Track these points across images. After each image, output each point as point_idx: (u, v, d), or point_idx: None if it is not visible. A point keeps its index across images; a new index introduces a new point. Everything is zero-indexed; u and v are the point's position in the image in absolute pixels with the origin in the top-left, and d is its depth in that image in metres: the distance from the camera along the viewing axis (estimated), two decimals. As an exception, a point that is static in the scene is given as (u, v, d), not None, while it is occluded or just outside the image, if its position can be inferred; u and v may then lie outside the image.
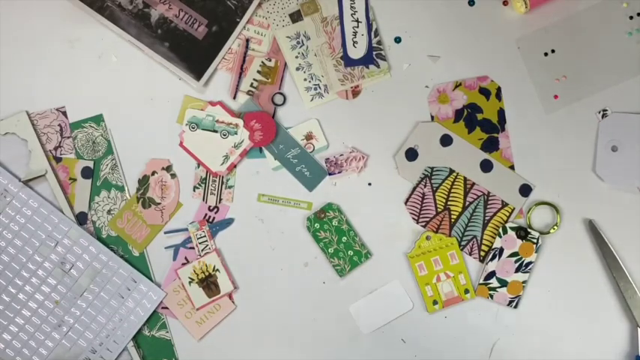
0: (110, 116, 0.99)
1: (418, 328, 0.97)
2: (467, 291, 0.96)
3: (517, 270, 0.96)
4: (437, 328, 0.97)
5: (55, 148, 0.98)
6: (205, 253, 0.97)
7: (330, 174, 0.98)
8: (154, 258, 0.98)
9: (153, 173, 0.98)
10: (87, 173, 0.98)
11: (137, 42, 0.97)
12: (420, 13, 0.99)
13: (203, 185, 0.98)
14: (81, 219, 0.98)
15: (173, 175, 0.99)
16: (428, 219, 0.97)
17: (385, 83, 0.98)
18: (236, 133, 0.97)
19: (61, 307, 0.97)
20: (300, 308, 0.97)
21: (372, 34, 0.98)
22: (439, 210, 0.97)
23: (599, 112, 0.97)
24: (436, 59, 0.99)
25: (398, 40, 0.99)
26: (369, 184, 0.98)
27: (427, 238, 0.96)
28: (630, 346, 0.95)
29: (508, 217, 0.97)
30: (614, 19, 0.98)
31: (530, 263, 0.96)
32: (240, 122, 0.97)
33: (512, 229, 0.96)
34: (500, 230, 0.96)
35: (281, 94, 0.99)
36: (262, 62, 0.99)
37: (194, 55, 0.97)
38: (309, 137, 0.98)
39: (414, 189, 0.98)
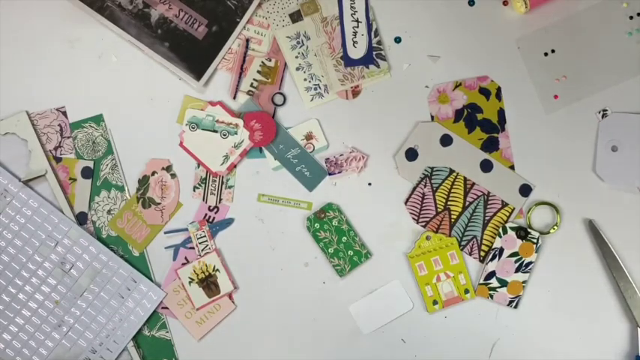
0: (110, 116, 0.99)
1: (418, 328, 0.97)
2: (467, 291, 0.96)
3: (517, 270, 0.96)
4: (437, 328, 0.97)
5: (55, 148, 0.98)
6: (205, 253, 0.97)
7: (330, 174, 0.98)
8: (154, 258, 0.98)
9: (153, 173, 0.98)
10: (87, 173, 0.98)
11: (137, 42, 0.97)
12: (420, 13, 0.99)
13: (203, 185, 0.98)
14: (81, 219, 0.98)
15: (173, 175, 0.99)
16: (428, 219, 0.97)
17: (385, 83, 0.98)
18: (236, 133, 0.97)
19: (61, 307, 0.97)
20: (300, 308, 0.97)
21: (372, 34, 0.98)
22: (439, 210, 0.97)
23: (599, 112, 0.97)
24: (436, 59, 0.99)
25: (398, 40, 0.99)
26: (369, 184, 0.98)
27: (427, 238, 0.96)
28: (630, 346, 0.95)
29: (508, 217, 0.97)
30: (614, 19, 0.98)
31: (530, 263, 0.96)
32: (240, 122, 0.97)
33: (512, 229, 0.96)
34: (500, 230, 0.96)
35: (281, 94, 0.99)
36: (262, 62, 0.99)
37: (194, 55, 0.97)
38: (309, 137, 0.98)
39: (414, 189, 0.98)
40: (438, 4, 0.99)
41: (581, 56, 0.98)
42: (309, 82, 0.98)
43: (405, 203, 0.98)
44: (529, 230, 0.95)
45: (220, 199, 0.98)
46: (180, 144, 0.98)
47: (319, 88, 0.98)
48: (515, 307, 0.96)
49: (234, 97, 0.99)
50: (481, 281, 0.96)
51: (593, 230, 0.96)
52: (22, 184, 0.97)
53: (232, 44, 0.98)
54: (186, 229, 0.98)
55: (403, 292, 0.97)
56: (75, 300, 0.97)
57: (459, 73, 0.98)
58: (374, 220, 0.98)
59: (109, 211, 0.99)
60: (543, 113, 0.98)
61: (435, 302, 0.96)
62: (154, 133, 0.99)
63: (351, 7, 0.97)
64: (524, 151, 0.97)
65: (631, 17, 0.98)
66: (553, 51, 0.98)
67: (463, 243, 0.97)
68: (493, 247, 0.96)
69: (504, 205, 0.97)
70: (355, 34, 0.97)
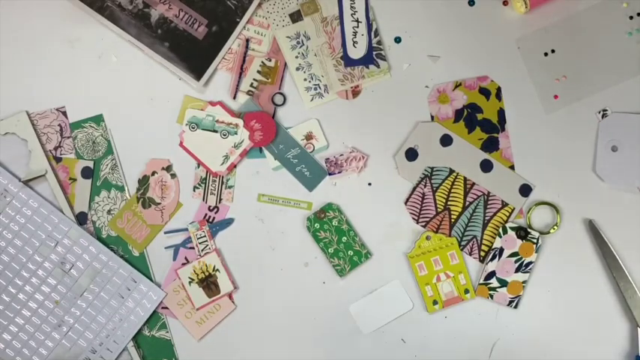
0: (110, 116, 0.99)
1: (418, 328, 0.97)
2: (467, 291, 0.96)
3: (517, 270, 0.96)
4: (437, 328, 0.97)
5: (55, 148, 0.98)
6: (205, 253, 0.97)
7: (330, 174, 0.98)
8: (154, 258, 0.98)
9: (153, 173, 0.98)
10: (87, 173, 0.98)
11: (137, 42, 0.97)
12: (420, 13, 0.99)
13: (203, 185, 0.98)
14: (81, 219, 0.98)
15: (173, 175, 0.99)
16: (428, 219, 0.97)
17: (385, 83, 0.98)
18: (236, 133, 0.97)
19: (61, 307, 0.97)
20: (300, 308, 0.97)
21: (372, 34, 0.98)
22: (439, 210, 0.97)
23: (599, 112, 0.97)
24: (436, 59, 0.99)
25: (398, 40, 0.99)
26: (369, 184, 0.98)
27: (427, 238, 0.96)
28: (630, 346, 0.95)
29: (508, 217, 0.97)
30: (614, 19, 0.98)
31: (530, 263, 0.96)
32: (240, 122, 0.97)
33: (512, 229, 0.96)
34: (500, 230, 0.96)
35: (281, 94, 0.99)
36: (262, 62, 0.99)
37: (194, 55, 0.97)
38: (309, 137, 0.98)
39: (414, 189, 0.98)
40: (438, 4, 0.99)
41: (581, 56, 0.98)
42: (309, 82, 0.98)
43: (405, 203, 0.98)
44: (529, 230, 0.95)
45: (220, 199, 0.98)
46: (180, 144, 0.98)
47: (319, 88, 0.98)
48: (515, 307, 0.96)
49: (234, 97, 0.99)
50: (481, 281, 0.96)
51: (593, 230, 0.96)
52: (22, 184, 0.97)
53: (232, 44, 0.98)
54: (186, 229, 0.98)
55: (403, 292, 0.97)
56: (75, 300, 0.97)
57: (459, 73, 0.98)
58: (374, 220, 0.98)
59: (109, 211, 0.98)
60: (543, 113, 0.98)
61: (435, 302, 0.96)
62: (154, 133, 0.99)
63: (351, 7, 0.97)
64: (524, 151, 0.97)
65: (631, 17, 0.98)
66: (553, 51, 0.98)
67: (463, 243, 0.97)
68: (493, 247, 0.96)
69: (504, 205, 0.97)
70: (355, 34, 0.97)
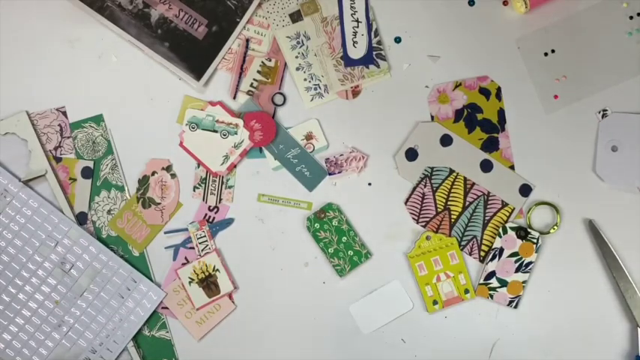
0: (110, 116, 0.99)
1: (418, 328, 0.97)
2: (467, 291, 0.96)
3: (517, 270, 0.96)
4: (437, 328, 0.97)
5: (55, 148, 0.98)
6: (205, 253, 0.97)
7: (330, 174, 0.98)
8: (154, 258, 0.98)
9: (153, 173, 0.98)
10: (87, 173, 0.98)
11: (137, 42, 0.97)
12: (420, 13, 0.99)
13: (203, 185, 0.98)
14: (81, 219, 0.98)
15: (173, 175, 0.99)
16: (428, 219, 0.97)
17: (385, 83, 0.98)
18: (236, 133, 0.97)
19: (61, 307, 0.97)
20: (300, 308, 0.97)
21: (372, 34, 0.98)
22: (439, 210, 0.97)
23: (599, 112, 0.97)
24: (436, 59, 0.99)
25: (398, 40, 0.99)
26: (369, 184, 0.98)
27: (427, 238, 0.96)
28: (630, 346, 0.95)
29: (508, 217, 0.97)
30: (614, 19, 0.98)
31: (530, 263, 0.96)
32: (240, 122, 0.97)
33: (512, 229, 0.96)
34: (500, 230, 0.96)
35: (281, 94, 0.99)
36: (262, 62, 0.99)
37: (194, 55, 0.97)
38: (309, 137, 0.98)
39: (414, 189, 0.98)
40: (438, 4, 0.99)
41: (581, 56, 0.98)
42: (309, 82, 0.98)
43: (405, 203, 0.98)
44: (529, 230, 0.95)
45: (220, 199, 0.98)
46: (180, 144, 0.98)
47: (319, 88, 0.98)
48: (515, 307, 0.96)
49: (234, 97, 0.99)
50: (481, 281, 0.96)
51: (593, 230, 0.96)
52: (22, 184, 0.97)
53: (232, 44, 0.98)
54: (186, 229, 0.98)
55: (403, 292, 0.97)
56: (75, 300, 0.97)
57: (459, 73, 0.98)
58: (374, 220, 0.98)
59: (109, 211, 0.99)
60: (543, 113, 0.98)
61: (435, 302, 0.96)
62: (154, 133, 0.99)
63: (351, 7, 0.97)
64: (524, 151, 0.97)
65: (631, 17, 0.98)
66: (553, 51, 0.98)
67: (463, 243, 0.97)
68: (493, 247, 0.96)
69: (504, 205, 0.97)
70: (355, 34, 0.97)
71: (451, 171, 0.97)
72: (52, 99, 0.99)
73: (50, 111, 0.99)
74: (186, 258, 0.98)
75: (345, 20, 0.97)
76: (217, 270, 0.97)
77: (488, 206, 0.97)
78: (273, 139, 0.97)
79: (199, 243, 0.97)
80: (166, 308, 0.98)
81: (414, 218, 0.98)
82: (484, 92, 0.98)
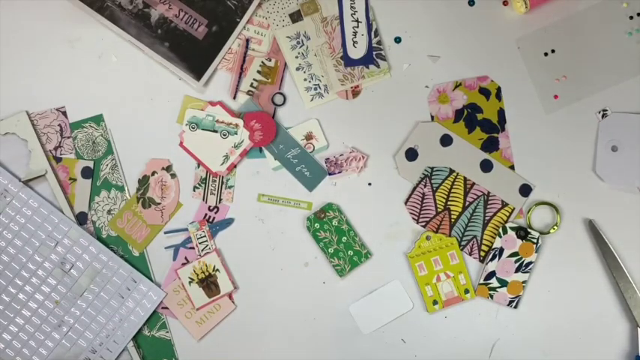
0: (110, 116, 0.99)
1: (418, 328, 0.97)
2: (467, 291, 0.96)
3: (517, 270, 0.96)
4: (437, 328, 0.97)
5: (55, 148, 0.98)
6: (205, 253, 0.97)
7: (330, 174, 0.98)
8: (154, 258, 0.98)
9: (153, 173, 0.98)
10: (87, 173, 0.98)
11: (137, 42, 0.97)
12: (420, 13, 0.99)
13: (203, 185, 0.98)
14: (81, 219, 0.98)
15: (173, 175, 0.99)
16: (428, 219, 0.97)
17: (385, 83, 0.98)
18: (236, 133, 0.97)
19: (61, 307, 0.97)
20: (300, 308, 0.97)
21: (372, 34, 0.98)
22: (439, 210, 0.97)
23: (599, 112, 0.97)
24: (436, 59, 0.99)
25: (398, 40, 0.99)
26: (369, 184, 0.98)
27: (427, 238, 0.96)
28: (630, 346, 0.95)
29: (508, 217, 0.97)
30: (614, 19, 0.98)
31: (530, 263, 0.96)
32: (240, 122, 0.97)
33: (512, 229, 0.96)
34: (500, 230, 0.96)
35: (281, 94, 0.99)
36: (262, 62, 0.99)
37: (194, 55, 0.97)
38: (309, 137, 0.98)
39: (414, 189, 0.98)
40: (438, 4, 0.99)
41: (581, 56, 0.98)
42: (309, 82, 0.98)
43: (405, 203, 0.98)
44: (529, 230, 0.95)
45: (220, 199, 0.98)
46: (180, 144, 0.98)
47: (319, 88, 0.98)
48: (515, 307, 0.96)
49: (234, 97, 0.99)
50: (481, 281, 0.96)
51: (593, 230, 0.96)
52: (22, 184, 0.97)
53: (232, 44, 0.98)
54: (186, 229, 0.98)
55: (403, 292, 0.97)
56: (75, 300, 0.97)
57: (459, 73, 0.98)
58: (374, 220, 0.98)
59: (109, 211, 0.98)
60: (543, 113, 0.98)
61: (435, 302, 0.96)
62: (154, 133, 0.99)
63: (351, 7, 0.97)
64: (524, 151, 0.97)
65: (631, 17, 0.98)
66: (553, 51, 0.98)
67: (463, 243, 0.97)
68: (493, 247, 0.96)
69: (504, 205, 0.97)
70: (355, 34, 0.97)
71: (451, 171, 0.97)
72: (52, 99, 0.99)
73: (50, 111, 0.99)
74: (186, 258, 0.98)
75: (345, 20, 0.97)
76: (217, 270, 0.97)
77: (488, 206, 0.97)
78: (273, 139, 0.97)
79: (199, 243, 0.97)
80: (166, 308, 0.98)
81: (414, 218, 0.98)
82: (484, 92, 0.98)
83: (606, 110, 0.97)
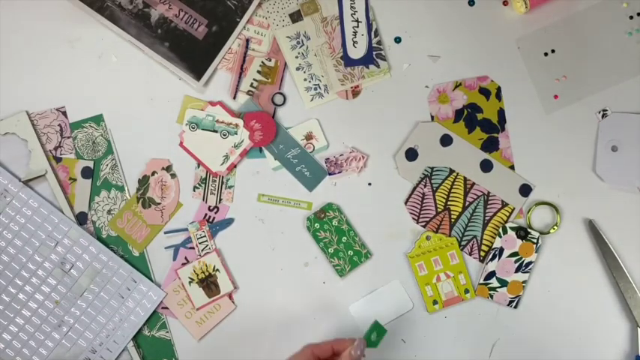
0: (110, 116, 0.99)
1: (418, 328, 0.97)
2: (467, 291, 0.96)
3: (517, 270, 0.96)
4: (437, 328, 0.97)
5: (55, 148, 0.98)
6: (205, 253, 0.97)
7: (330, 174, 0.98)
8: (154, 258, 0.98)
9: (153, 173, 0.98)
10: (87, 173, 0.98)
11: (137, 42, 0.97)
12: (420, 13, 0.99)
13: (203, 185, 0.98)
14: (81, 219, 0.98)
15: (173, 175, 0.99)
16: (428, 219, 0.97)
17: (385, 83, 0.98)
18: (236, 133, 0.97)
19: (61, 307, 0.97)
20: (300, 308, 0.97)
21: (372, 34, 0.98)
22: (439, 210, 0.97)
23: (599, 112, 0.97)
24: (436, 59, 0.99)
25: (398, 40, 0.99)
26: (369, 184, 0.98)
27: (427, 238, 0.96)
28: (630, 346, 0.95)
29: (508, 217, 0.97)
30: (614, 19, 0.98)
31: (530, 263, 0.96)
32: (240, 122, 0.97)
33: (512, 229, 0.96)
34: (500, 230, 0.96)
35: (281, 94, 0.99)
36: (262, 62, 0.99)
37: (194, 55, 0.97)
38: (309, 137, 0.98)
39: (414, 189, 0.98)
40: (438, 4, 0.99)
41: (581, 56, 0.98)
42: (309, 82, 0.98)
43: (405, 203, 0.98)
44: (529, 230, 0.95)
45: (220, 199, 0.98)
46: (181, 144, 0.98)
47: (319, 88, 0.98)
48: (515, 307, 0.96)
49: (234, 97, 0.99)
50: (481, 281, 0.96)
51: (593, 230, 0.96)
52: (22, 184, 0.97)
53: (232, 44, 0.98)
54: (186, 229, 0.98)
55: (403, 292, 0.97)
56: (75, 300, 0.97)
57: (459, 73, 0.98)
58: (374, 220, 0.98)
59: (109, 211, 0.99)
60: (543, 113, 0.98)
61: (435, 302, 0.96)
62: (154, 133, 0.99)
63: (351, 7, 0.97)
64: (524, 151, 0.97)
65: (631, 17, 0.98)
66: (553, 51, 0.98)
67: (463, 243, 0.97)
68: (493, 247, 0.96)
69: (504, 205, 0.97)
70: (355, 34, 0.97)
71: (451, 171, 0.97)
72: (52, 99, 0.99)
73: (50, 111, 0.99)
74: (186, 258, 0.98)
75: (345, 20, 0.97)
76: (217, 270, 0.97)
77: (488, 206, 0.97)
78: (273, 139, 0.97)
79: (199, 243, 0.97)
80: (166, 308, 0.98)
81: (414, 218, 0.98)
82: (484, 92, 0.98)
83: (606, 110, 0.97)
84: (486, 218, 0.97)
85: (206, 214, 0.98)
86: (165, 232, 0.98)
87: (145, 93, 0.99)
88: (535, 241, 0.95)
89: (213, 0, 0.97)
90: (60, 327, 0.97)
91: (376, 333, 0.85)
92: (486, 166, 0.97)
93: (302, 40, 0.98)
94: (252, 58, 0.98)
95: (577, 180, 0.97)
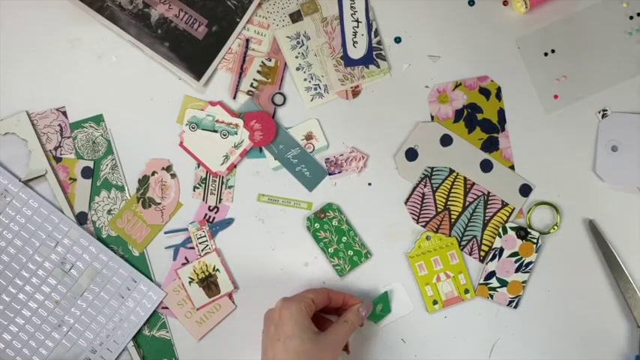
0: (110, 116, 0.99)
1: (418, 328, 0.97)
2: (467, 291, 0.96)
3: (517, 270, 0.96)
4: (437, 328, 0.97)
5: (55, 148, 0.98)
6: (205, 253, 0.97)
7: (330, 174, 0.98)
8: (154, 258, 0.98)
9: (153, 173, 0.98)
10: (87, 173, 0.98)
11: (137, 42, 0.97)
12: (420, 13, 0.99)
13: (203, 185, 0.98)
14: (81, 219, 0.98)
15: (173, 175, 0.99)
16: (428, 219, 0.97)
17: (385, 83, 0.98)
18: (236, 133, 0.97)
19: (61, 307, 0.97)
20: (300, 308, 0.97)
21: (372, 34, 0.98)
22: (439, 210, 0.97)
23: (599, 112, 0.97)
24: (436, 59, 0.99)
25: (398, 40, 0.99)
26: (369, 184, 0.98)
27: (427, 238, 0.96)
28: (630, 346, 0.95)
29: (508, 217, 0.97)
30: (614, 19, 0.98)
31: (530, 263, 0.96)
32: (240, 122, 0.97)
33: (512, 229, 0.96)
34: (500, 230, 0.96)
35: (281, 94, 0.99)
36: (262, 62, 0.99)
37: (194, 55, 0.97)
38: (309, 137, 0.98)
39: (414, 189, 0.98)
40: (438, 4, 0.99)
41: (581, 56, 0.98)
42: (309, 82, 0.98)
43: (405, 203, 0.98)
44: (529, 230, 0.95)
45: (220, 199, 0.98)
46: (180, 144, 0.98)
47: (319, 88, 0.98)
48: (515, 307, 0.96)
49: (234, 97, 0.99)
50: (481, 281, 0.96)
51: (593, 230, 0.96)
52: (22, 184, 0.97)
53: (232, 44, 0.98)
54: (186, 229, 0.98)
55: (403, 293, 0.97)
56: (75, 300, 0.97)
57: (459, 73, 0.98)
58: (374, 220, 0.98)
59: (109, 211, 0.99)
60: (543, 113, 0.98)
61: (435, 302, 0.96)
62: (154, 133, 0.99)
63: (351, 7, 0.97)
64: (524, 151, 0.97)
65: (631, 17, 0.98)
66: (553, 51, 0.98)
67: (463, 243, 0.97)
68: (493, 247, 0.96)
69: (504, 205, 0.97)
70: (355, 34, 0.97)
71: (451, 171, 0.97)
72: (52, 99, 0.99)
73: (50, 111, 0.99)
74: (186, 258, 0.98)
75: (345, 20, 0.97)
76: (217, 270, 0.97)
77: (488, 206, 0.97)
78: (273, 139, 0.97)
79: (199, 243, 0.97)
80: (166, 308, 0.98)
81: (414, 218, 0.98)
82: (484, 92, 0.98)
83: (606, 110, 0.97)
84: (486, 218, 0.97)
85: (206, 214, 0.98)
86: (166, 232, 0.98)
87: (145, 93, 0.99)
88: (535, 241, 0.95)
89: (213, 0, 0.97)
90: (60, 327, 0.97)
91: (382, 306, 0.86)
92: (486, 166, 0.97)
93: (302, 40, 0.98)
94: (252, 58, 0.98)
95: (577, 180, 0.97)
